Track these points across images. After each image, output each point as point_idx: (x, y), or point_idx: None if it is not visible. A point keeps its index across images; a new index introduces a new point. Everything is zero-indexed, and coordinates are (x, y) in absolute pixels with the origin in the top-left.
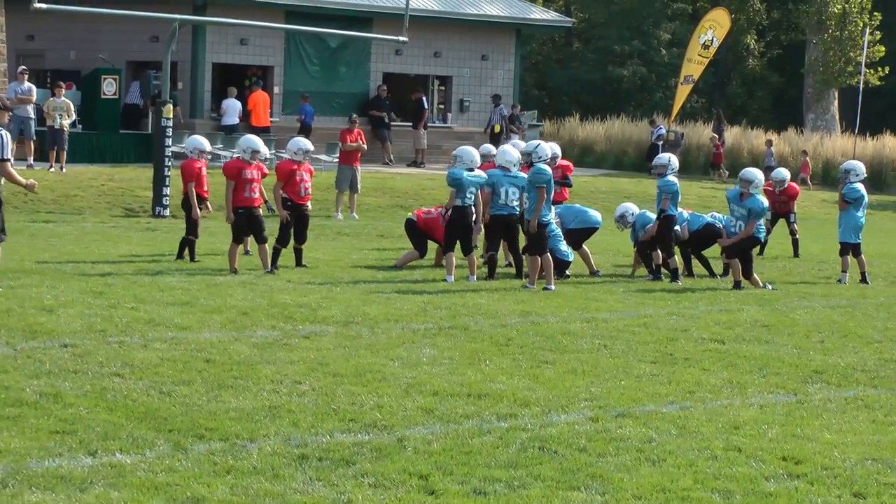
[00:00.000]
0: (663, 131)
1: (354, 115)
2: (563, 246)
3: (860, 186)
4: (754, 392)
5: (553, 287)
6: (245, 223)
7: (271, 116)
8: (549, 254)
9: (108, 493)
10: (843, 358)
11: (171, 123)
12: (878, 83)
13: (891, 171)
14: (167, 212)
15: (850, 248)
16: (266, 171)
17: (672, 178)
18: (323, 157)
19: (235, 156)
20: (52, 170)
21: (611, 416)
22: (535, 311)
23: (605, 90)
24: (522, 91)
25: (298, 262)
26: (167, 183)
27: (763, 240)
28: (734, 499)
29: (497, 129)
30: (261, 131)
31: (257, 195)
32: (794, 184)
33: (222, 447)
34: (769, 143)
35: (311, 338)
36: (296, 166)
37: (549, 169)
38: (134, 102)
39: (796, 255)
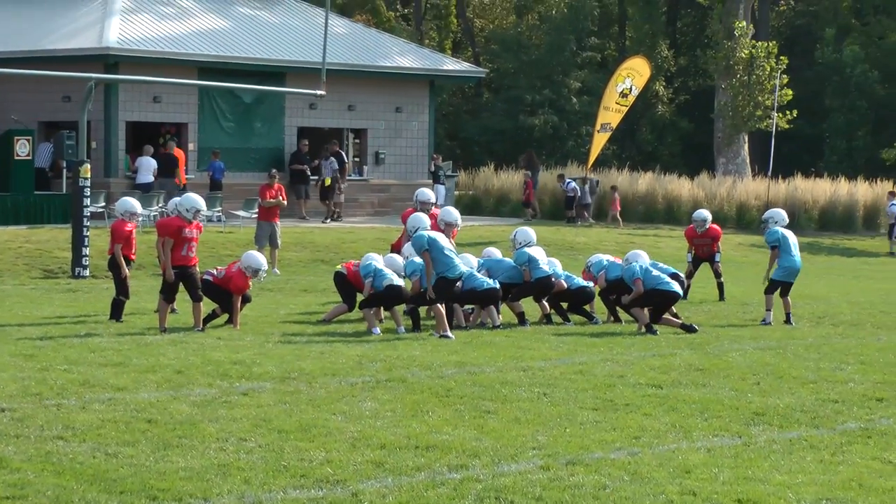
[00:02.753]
0: (572, 185)
1: (274, 171)
2: (482, 278)
3: (777, 228)
4: (699, 436)
5: (451, 335)
6: (179, 282)
7: (186, 173)
8: (440, 305)
9: None
10: (781, 399)
11: (88, 183)
12: (787, 127)
13: (804, 213)
14: (87, 272)
15: (778, 287)
16: (202, 227)
17: (525, 249)
18: (241, 213)
19: (173, 214)
20: None
21: (561, 464)
22: (470, 362)
23: (517, 139)
24: (435, 142)
25: (196, 324)
26: (86, 243)
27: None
28: None
29: (328, 182)
30: (176, 188)
31: (194, 254)
32: (715, 225)
33: None
34: (561, 178)
35: (250, 394)
36: (184, 224)
37: (425, 233)
38: (41, 166)
39: (722, 298)
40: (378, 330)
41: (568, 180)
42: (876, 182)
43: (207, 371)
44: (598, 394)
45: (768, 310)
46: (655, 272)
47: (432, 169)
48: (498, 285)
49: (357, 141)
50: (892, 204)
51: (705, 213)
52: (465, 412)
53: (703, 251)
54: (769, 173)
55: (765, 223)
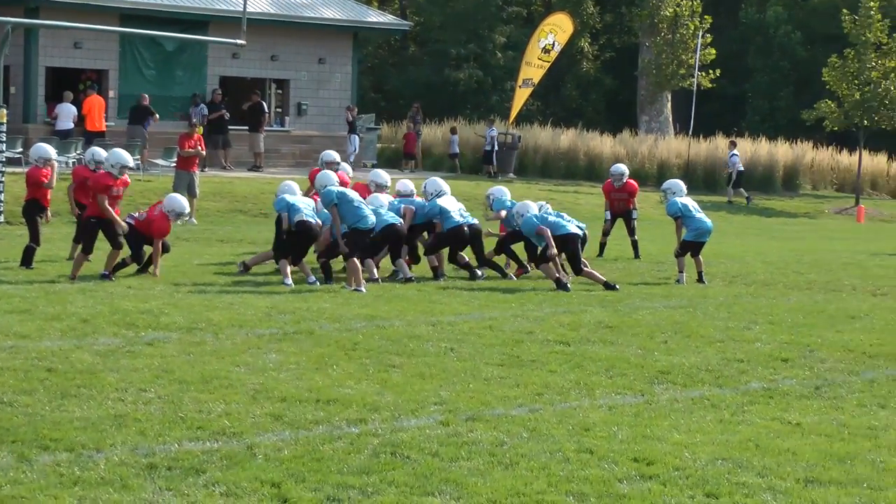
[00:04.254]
0: (494, 132)
1: (195, 120)
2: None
3: (676, 199)
4: (602, 393)
5: (363, 289)
6: (97, 231)
7: (106, 121)
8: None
9: None
10: (687, 358)
11: (4, 129)
12: (710, 86)
13: (723, 172)
14: (1, 218)
15: (690, 248)
16: (128, 182)
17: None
18: (160, 161)
19: (89, 164)
20: None
21: (461, 419)
22: (379, 315)
23: (442, 93)
24: (359, 94)
25: (106, 268)
26: (2, 189)
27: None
28: (588, 501)
29: (200, 130)
30: (96, 136)
31: (117, 207)
32: (632, 181)
33: (68, 458)
34: (454, 130)
35: (155, 344)
36: (111, 181)
37: (333, 188)
38: None
39: (637, 256)
40: (290, 281)
41: (491, 128)
42: (797, 143)
43: (114, 320)
44: (505, 350)
45: (681, 271)
46: (552, 217)
47: (350, 119)
48: (399, 221)
49: (279, 91)
50: (733, 154)
51: (623, 168)
52: (370, 366)
53: (620, 206)
54: (690, 132)
55: (664, 193)
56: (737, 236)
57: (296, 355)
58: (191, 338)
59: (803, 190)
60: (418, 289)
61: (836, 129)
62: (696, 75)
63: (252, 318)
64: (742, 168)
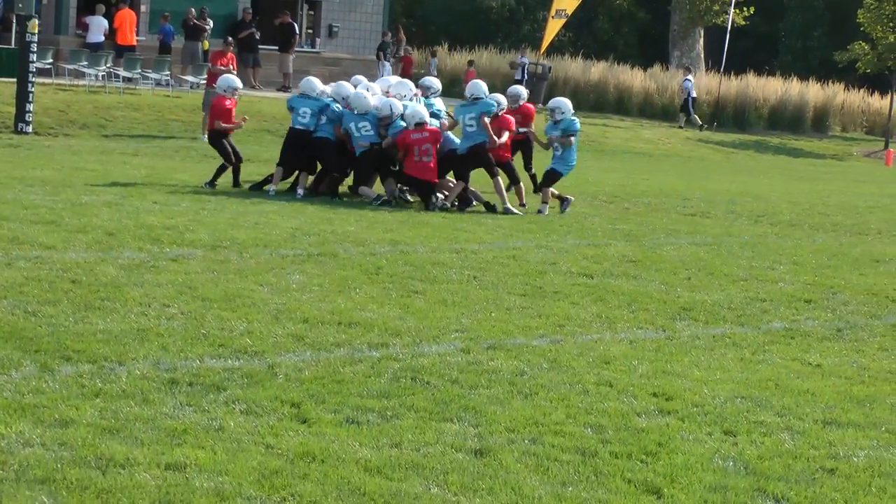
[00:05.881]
0: (525, 61)
1: (230, 38)
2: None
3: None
4: (624, 327)
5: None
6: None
7: (137, 35)
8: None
9: None
10: (709, 295)
11: (35, 39)
12: (743, 23)
13: (753, 110)
14: (30, 129)
15: (557, 179)
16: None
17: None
18: (189, 77)
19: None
20: None
21: (482, 347)
22: (403, 241)
23: (474, 20)
24: (391, 18)
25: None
26: (31, 99)
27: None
28: (606, 434)
29: (206, 45)
30: (126, 50)
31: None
32: (529, 104)
33: (90, 369)
34: (433, 53)
35: (179, 261)
36: (228, 102)
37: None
38: None
39: (536, 189)
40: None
41: (522, 56)
42: (828, 84)
43: (139, 235)
44: (528, 280)
45: (546, 202)
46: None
47: (381, 43)
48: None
49: (311, 13)
50: (686, 79)
51: (519, 89)
52: (393, 291)
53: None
54: (722, 69)
55: (554, 112)
56: (764, 175)
57: (319, 277)
58: (215, 255)
59: (833, 132)
60: (443, 216)
61: (868, 71)
62: (729, 12)
63: (277, 238)
64: (695, 95)
